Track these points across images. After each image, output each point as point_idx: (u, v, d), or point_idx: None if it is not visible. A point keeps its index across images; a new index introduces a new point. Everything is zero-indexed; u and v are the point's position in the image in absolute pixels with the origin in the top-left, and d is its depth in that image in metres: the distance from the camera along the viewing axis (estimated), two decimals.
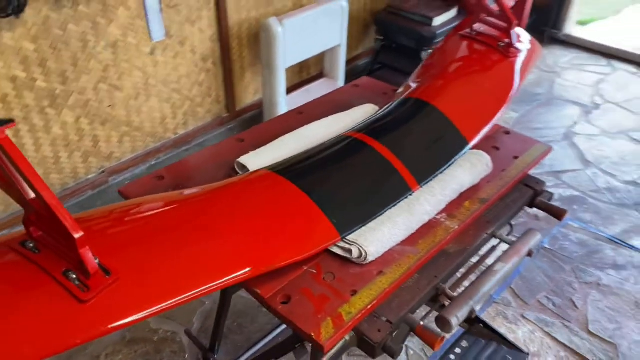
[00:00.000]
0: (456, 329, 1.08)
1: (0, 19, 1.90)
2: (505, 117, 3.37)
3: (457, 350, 1.71)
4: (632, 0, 5.39)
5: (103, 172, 2.52)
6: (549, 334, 2.11)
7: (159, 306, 0.87)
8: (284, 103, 2.89)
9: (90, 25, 2.20)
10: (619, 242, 2.53)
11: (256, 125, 1.56)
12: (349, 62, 3.41)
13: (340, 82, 3.26)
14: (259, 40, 2.82)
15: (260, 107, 3.04)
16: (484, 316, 2.17)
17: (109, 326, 0.83)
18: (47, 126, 2.22)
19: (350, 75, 3.44)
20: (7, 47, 2.00)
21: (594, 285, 2.31)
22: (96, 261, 0.85)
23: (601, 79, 3.88)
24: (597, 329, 2.13)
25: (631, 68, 4.02)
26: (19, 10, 1.88)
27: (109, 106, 2.41)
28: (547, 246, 2.50)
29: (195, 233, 1.00)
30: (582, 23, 4.60)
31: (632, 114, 3.48)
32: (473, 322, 1.81)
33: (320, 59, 3.27)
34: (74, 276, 0.85)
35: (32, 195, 0.85)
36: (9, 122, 0.83)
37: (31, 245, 0.89)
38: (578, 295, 2.27)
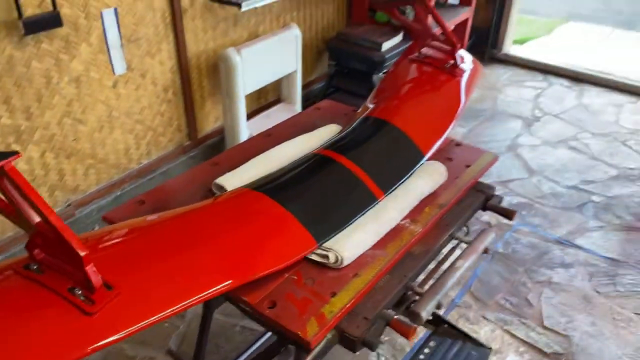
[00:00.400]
0: (425, 319, 1.20)
1: None
2: (454, 132, 3.57)
3: (426, 350, 1.83)
4: (562, 20, 5.81)
5: (69, 205, 2.54)
6: (508, 331, 2.26)
7: (157, 316, 0.95)
8: (245, 128, 2.99)
9: (53, 62, 2.25)
10: (566, 242, 2.73)
11: (225, 149, 1.66)
12: (304, 86, 3.55)
13: (298, 106, 3.39)
14: (218, 70, 2.93)
15: (221, 134, 3.12)
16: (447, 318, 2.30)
17: (116, 336, 0.90)
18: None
19: (306, 99, 3.59)
20: None
21: (546, 283, 2.49)
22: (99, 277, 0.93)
23: (539, 93, 4.17)
24: (552, 324, 2.29)
25: (565, 82, 4.33)
26: None
27: (74, 140, 2.44)
28: (501, 250, 2.67)
29: (185, 249, 1.09)
30: (518, 42, 4.92)
31: (569, 124, 3.76)
32: (439, 323, 1.95)
33: (277, 84, 3.40)
34: (79, 292, 0.92)
35: (37, 219, 0.92)
36: (15, 153, 0.90)
37: (35, 267, 0.96)
38: (532, 293, 2.44)
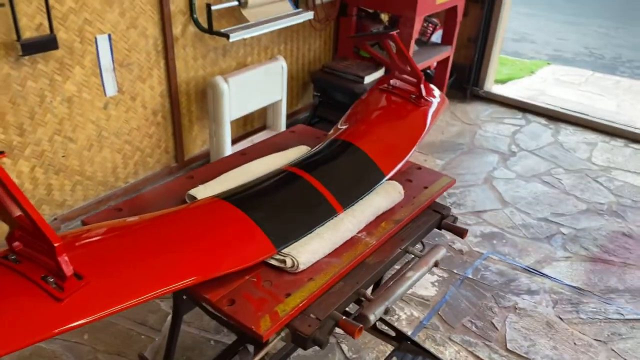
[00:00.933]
0: (373, 322, 1.30)
1: None
2: (430, 164, 3.72)
3: None
4: (544, 62, 6.05)
5: (55, 219, 2.64)
6: (472, 353, 2.34)
7: (122, 305, 1.05)
8: (229, 152, 3.12)
9: (47, 82, 2.38)
10: (533, 270, 2.83)
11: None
12: (289, 115, 3.70)
13: None
14: (206, 96, 3.07)
15: (207, 157, 3.25)
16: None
17: (81, 320, 1.00)
18: None
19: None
20: None
21: (511, 308, 2.58)
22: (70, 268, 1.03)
23: (517, 130, 4.34)
24: (514, 347, 2.38)
25: (543, 120, 4.51)
26: None
27: (63, 156, 2.56)
28: (470, 276, 2.77)
29: (153, 247, 1.19)
30: (500, 81, 5.13)
31: (543, 160, 3.91)
32: (402, 340, 2.04)
33: (263, 112, 3.55)
34: (52, 280, 1.02)
35: (18, 213, 1.03)
36: (0, 153, 1.02)
37: (13, 257, 1.06)
38: (497, 318, 2.53)
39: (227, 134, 3.09)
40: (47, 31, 2.27)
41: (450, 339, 2.41)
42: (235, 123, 3.26)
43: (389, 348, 2.34)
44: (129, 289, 1.08)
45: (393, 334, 2.06)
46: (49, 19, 2.23)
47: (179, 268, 1.17)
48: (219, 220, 1.31)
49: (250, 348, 1.36)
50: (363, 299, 1.36)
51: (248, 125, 3.56)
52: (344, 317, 1.23)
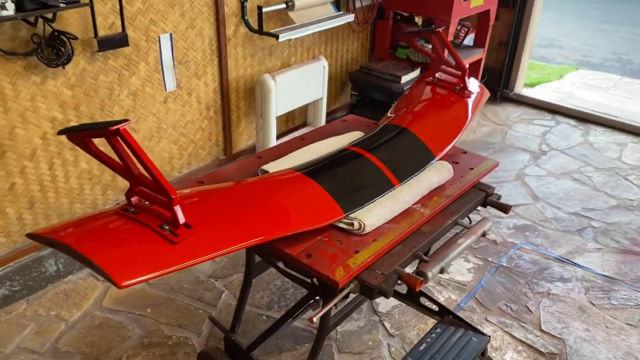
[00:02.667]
0: (431, 280, 1.46)
1: (50, 68, 2.30)
2: None
3: (433, 335, 2.08)
4: (573, 67, 6.15)
5: (118, 204, 2.85)
6: (508, 333, 2.48)
7: (223, 250, 1.24)
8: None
9: (116, 76, 2.61)
10: (565, 260, 2.96)
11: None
12: (328, 114, 3.89)
13: None
14: (253, 93, 3.28)
15: (252, 151, 3.45)
16: None
17: (192, 261, 1.19)
18: (75, 161, 2.58)
19: (324, 124, 3.93)
20: (50, 93, 2.38)
21: (545, 294, 2.72)
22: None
23: (547, 130, 4.46)
24: (548, 328, 2.51)
25: (572, 121, 4.63)
26: (66, 61, 2.29)
27: None
28: (504, 264, 2.91)
29: (243, 206, 1.38)
30: (529, 85, 5.26)
31: (573, 158, 4.03)
32: (444, 314, 2.19)
33: (303, 110, 3.75)
34: (167, 227, 1.22)
35: (140, 170, 1.23)
36: (126, 120, 1.22)
37: (132, 209, 1.26)
38: (531, 302, 2.67)
39: (273, 129, 3.29)
40: (119, 30, 2.50)
41: (487, 320, 2.55)
42: (279, 120, 3.46)
43: (428, 326, 2.50)
44: (227, 238, 1.27)
45: (436, 308, 2.21)
46: (122, 19, 2.46)
47: (265, 224, 1.35)
48: (296, 188, 1.49)
49: (319, 304, 1.53)
50: (420, 260, 1.53)
51: (290, 122, 3.76)
52: (406, 271, 1.41)
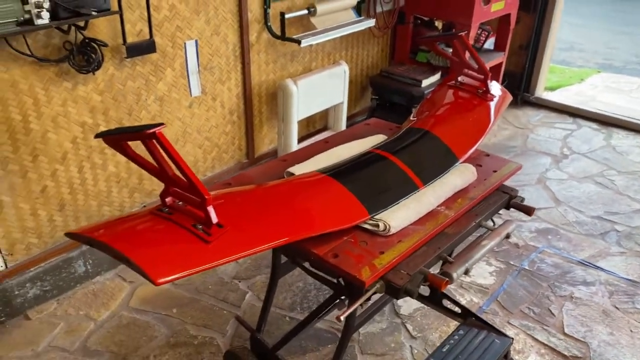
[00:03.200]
0: (457, 280, 1.48)
1: (80, 74, 2.37)
2: None
3: (456, 337, 2.09)
4: (594, 70, 6.10)
5: (144, 206, 2.92)
6: (531, 336, 2.48)
7: (254, 249, 1.28)
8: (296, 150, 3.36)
9: (143, 82, 2.67)
10: (588, 264, 2.95)
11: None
12: (348, 118, 3.93)
13: None
14: (275, 98, 3.33)
15: (274, 155, 3.50)
16: None
17: (224, 259, 1.23)
18: (104, 164, 2.65)
19: (348, 128, 3.96)
20: (80, 98, 2.45)
21: (568, 297, 2.71)
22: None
23: (568, 134, 4.44)
24: (572, 331, 2.51)
25: (594, 125, 4.60)
26: (97, 68, 2.36)
27: None
28: (526, 267, 2.91)
29: (272, 207, 1.42)
30: (550, 88, 5.23)
31: (595, 162, 4.01)
32: (466, 316, 2.21)
33: (324, 114, 3.79)
34: (200, 227, 1.26)
35: (175, 172, 1.28)
36: (162, 124, 1.27)
37: (166, 210, 1.31)
38: (554, 305, 2.66)
39: (294, 133, 3.33)
40: (147, 36, 2.56)
41: (509, 323, 2.56)
42: (300, 124, 3.50)
43: (450, 328, 2.51)
44: (257, 238, 1.31)
45: (459, 310, 2.23)
46: (150, 26, 2.53)
47: (292, 225, 1.39)
48: (322, 189, 1.53)
49: (344, 304, 1.56)
50: (444, 261, 1.55)
51: (310, 126, 3.80)
52: (431, 272, 1.43)
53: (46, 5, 1.97)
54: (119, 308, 2.59)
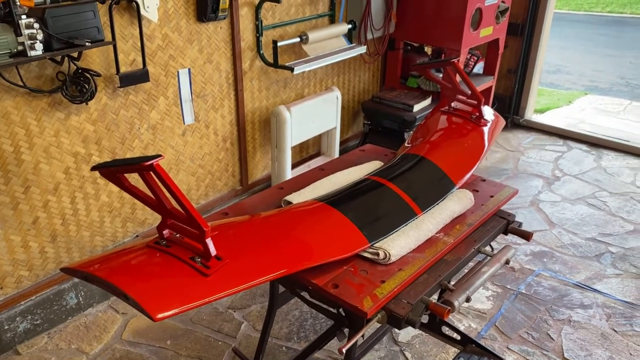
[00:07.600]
0: (458, 309, 1.46)
1: (73, 104, 2.36)
2: None
3: None
4: (581, 93, 6.19)
5: (137, 236, 2.88)
6: None
7: (253, 282, 1.26)
8: (290, 176, 3.35)
9: (137, 111, 2.67)
10: (585, 286, 2.94)
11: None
12: (341, 143, 3.94)
13: None
14: (269, 125, 3.33)
15: (268, 181, 3.48)
16: None
17: (223, 293, 1.21)
18: (97, 194, 2.62)
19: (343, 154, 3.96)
20: (73, 128, 2.44)
21: (566, 321, 2.69)
22: None
23: (559, 156, 4.47)
24: (571, 356, 2.48)
25: (584, 147, 4.64)
26: (90, 98, 2.35)
27: None
28: (523, 291, 2.89)
29: (269, 239, 1.40)
30: (539, 111, 5.29)
31: (587, 183, 4.03)
32: (466, 343, 2.18)
33: (317, 140, 3.79)
34: (199, 260, 1.24)
35: (172, 204, 1.26)
36: (159, 156, 1.25)
37: (163, 242, 1.29)
38: (553, 329, 2.64)
39: (288, 159, 3.33)
40: (140, 66, 2.56)
41: (508, 348, 2.53)
42: (293, 150, 3.50)
43: (450, 355, 2.48)
44: (257, 270, 1.29)
45: (458, 337, 2.20)
46: (143, 55, 2.53)
47: (292, 256, 1.37)
48: (321, 218, 1.52)
49: (345, 334, 1.54)
50: (445, 289, 1.53)
51: (304, 152, 3.80)
52: (433, 301, 1.41)
53: (39, 36, 1.97)
54: (112, 341, 2.53)
